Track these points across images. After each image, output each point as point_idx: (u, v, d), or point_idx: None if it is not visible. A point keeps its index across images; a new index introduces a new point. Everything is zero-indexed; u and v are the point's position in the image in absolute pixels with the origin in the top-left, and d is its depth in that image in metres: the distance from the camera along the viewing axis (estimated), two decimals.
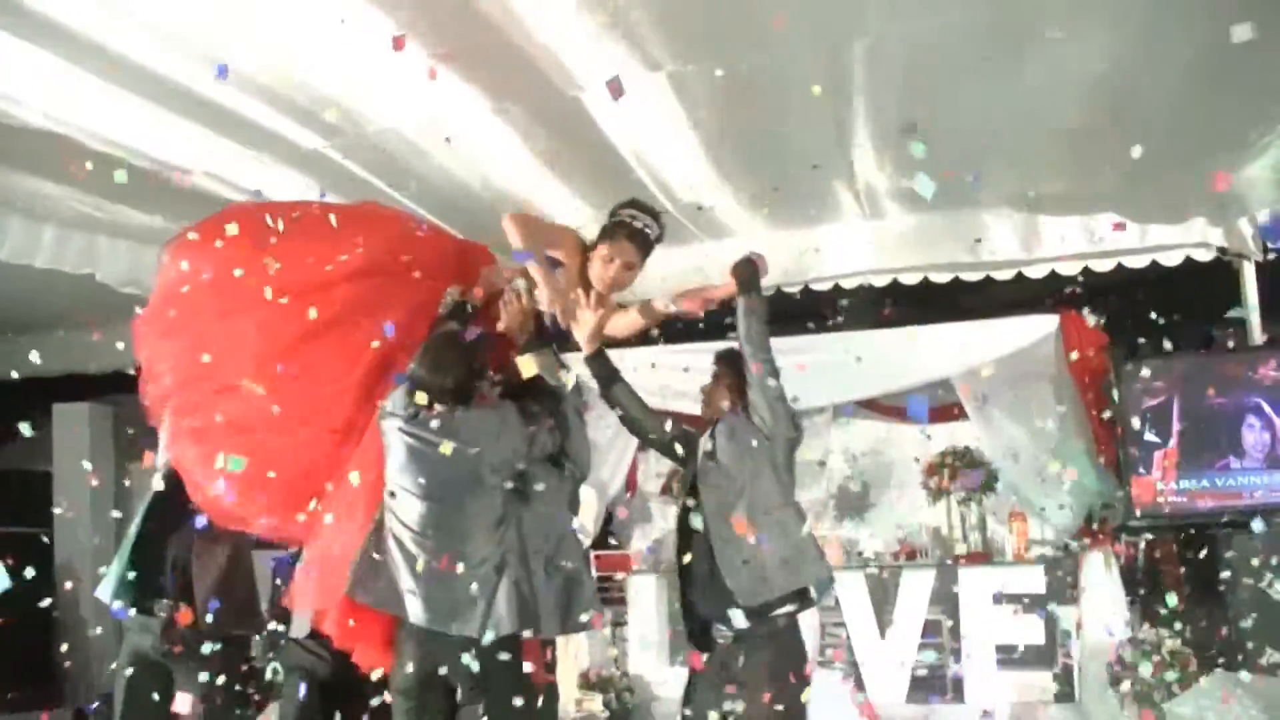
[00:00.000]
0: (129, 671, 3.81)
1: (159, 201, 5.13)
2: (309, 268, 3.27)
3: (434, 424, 3.16)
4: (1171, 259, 5.74)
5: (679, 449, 3.69)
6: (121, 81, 4.03)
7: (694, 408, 3.93)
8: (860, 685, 6.33)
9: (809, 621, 6.52)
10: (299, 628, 3.67)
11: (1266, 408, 5.55)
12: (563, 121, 4.50)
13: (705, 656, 3.54)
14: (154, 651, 3.75)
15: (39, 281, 5.69)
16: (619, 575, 7.17)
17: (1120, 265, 5.82)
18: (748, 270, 3.52)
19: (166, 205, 5.15)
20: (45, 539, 7.20)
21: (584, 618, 3.26)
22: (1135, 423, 5.63)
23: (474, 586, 3.06)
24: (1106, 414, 5.77)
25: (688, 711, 3.57)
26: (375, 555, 3.14)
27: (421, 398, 3.15)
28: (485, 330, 3.40)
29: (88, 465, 7.48)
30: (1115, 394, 5.76)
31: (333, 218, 3.38)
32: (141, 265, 5.60)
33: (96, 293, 5.76)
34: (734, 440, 3.55)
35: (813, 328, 6.48)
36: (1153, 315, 5.33)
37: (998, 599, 6.38)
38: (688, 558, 3.56)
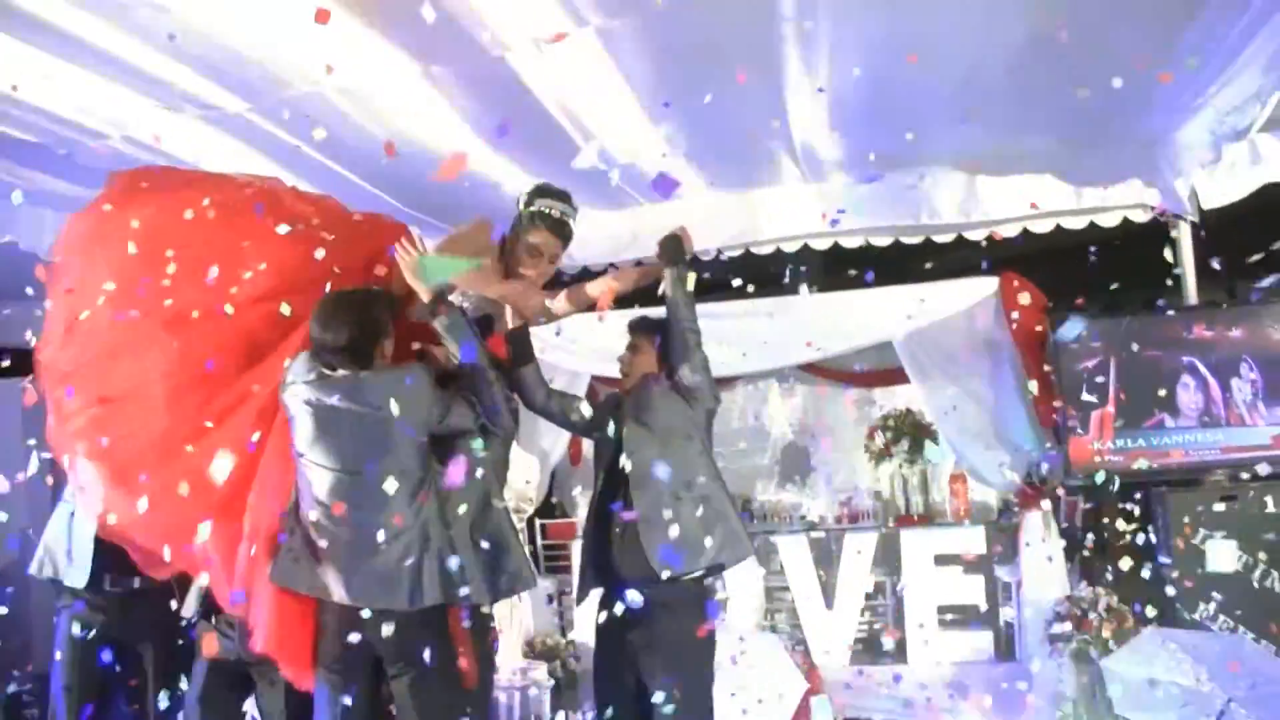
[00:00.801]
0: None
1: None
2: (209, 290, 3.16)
3: (337, 387, 3.04)
4: (1109, 220, 5.77)
5: (599, 426, 3.68)
6: (40, 44, 3.86)
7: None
8: (805, 649, 6.36)
9: (754, 587, 6.63)
10: (189, 608, 3.50)
11: (1201, 367, 5.61)
12: (489, 83, 4.38)
13: (613, 618, 3.50)
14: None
15: None
16: (567, 543, 7.13)
17: (1059, 227, 5.84)
18: (673, 245, 3.56)
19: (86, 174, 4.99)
20: None
21: (513, 585, 3.22)
22: (1072, 384, 5.66)
23: (396, 559, 2.98)
24: (1044, 375, 5.80)
25: (597, 673, 3.61)
26: (292, 536, 3.05)
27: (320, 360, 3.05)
28: (382, 288, 3.32)
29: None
30: (1053, 355, 5.79)
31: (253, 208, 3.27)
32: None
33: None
34: (657, 406, 3.55)
35: (754, 292, 6.45)
36: (1090, 277, 5.37)
37: (939, 560, 6.43)
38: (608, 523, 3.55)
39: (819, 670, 6.06)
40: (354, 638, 3.01)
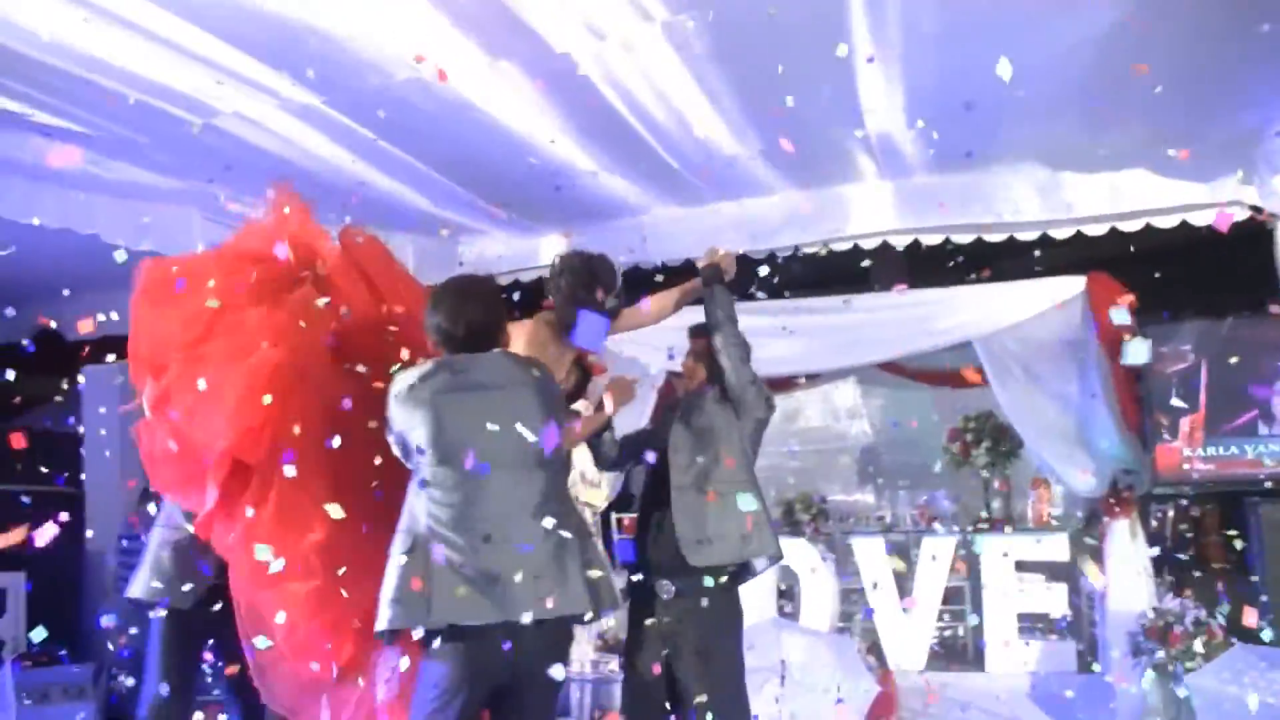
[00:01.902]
0: None
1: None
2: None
3: (470, 370, 2.89)
4: (1201, 219, 5.51)
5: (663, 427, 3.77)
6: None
7: None
8: (879, 653, 6.25)
9: (828, 589, 6.56)
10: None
11: None
12: (556, 79, 4.39)
13: (648, 611, 3.58)
14: None
15: (67, 243, 5.64)
16: None
17: (1149, 225, 5.61)
18: (711, 270, 3.66)
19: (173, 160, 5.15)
20: (75, 498, 7.33)
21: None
22: (1161, 388, 5.45)
23: (529, 572, 2.74)
24: (1132, 379, 5.60)
25: (630, 665, 3.63)
26: (412, 570, 2.72)
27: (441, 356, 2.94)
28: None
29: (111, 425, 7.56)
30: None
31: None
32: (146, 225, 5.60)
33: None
34: (706, 410, 3.65)
35: (832, 289, 6.37)
36: (1181, 278, 5.18)
37: (1020, 566, 6.26)
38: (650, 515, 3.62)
39: (893, 674, 5.96)
40: (490, 661, 2.73)
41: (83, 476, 7.49)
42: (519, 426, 2.80)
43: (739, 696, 3.52)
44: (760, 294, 5.00)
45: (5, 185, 5.06)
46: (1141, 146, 5.22)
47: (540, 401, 2.90)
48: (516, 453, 2.82)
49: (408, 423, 2.83)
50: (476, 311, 2.97)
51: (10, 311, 4.41)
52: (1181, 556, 5.59)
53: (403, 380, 2.89)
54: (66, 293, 5.29)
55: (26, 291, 6.52)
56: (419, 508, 2.80)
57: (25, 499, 5.01)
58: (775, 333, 6.36)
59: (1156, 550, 5.61)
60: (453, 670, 2.72)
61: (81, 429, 7.81)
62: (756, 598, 5.58)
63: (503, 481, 2.80)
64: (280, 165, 5.19)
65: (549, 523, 2.79)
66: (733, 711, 3.45)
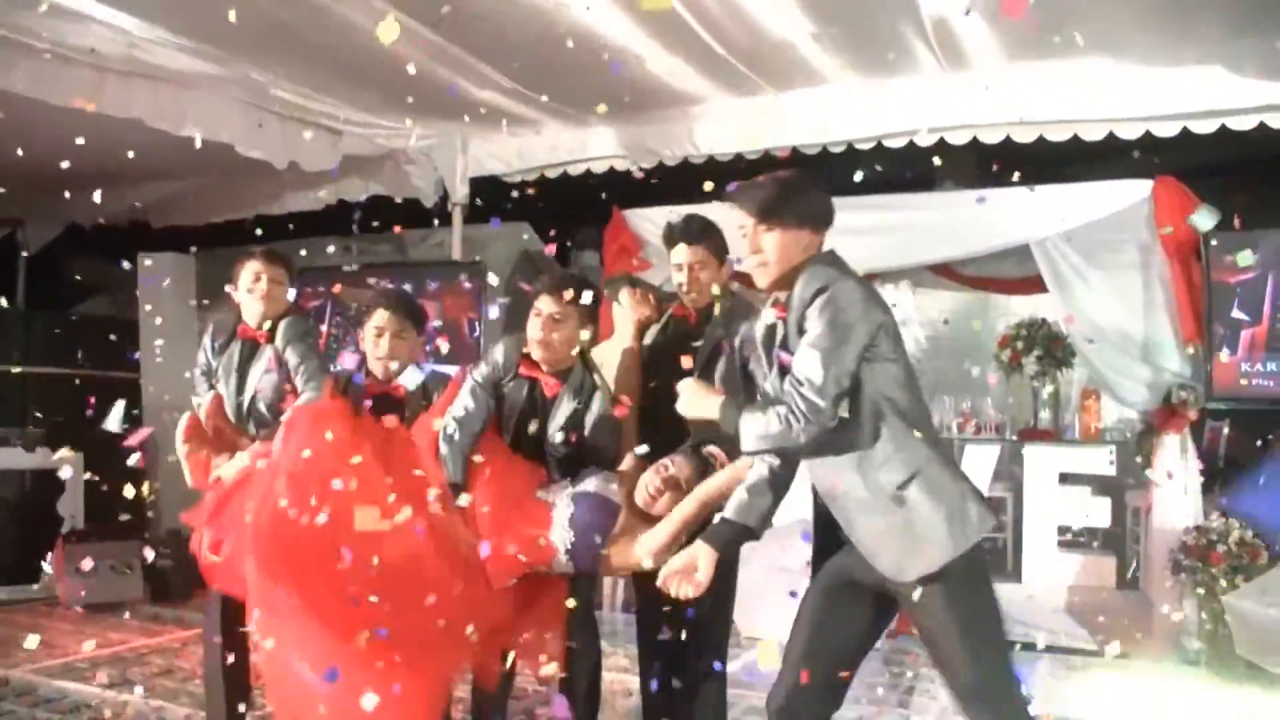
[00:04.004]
0: None
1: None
2: None
3: None
4: None
5: None
6: None
7: None
8: None
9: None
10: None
11: None
12: None
13: None
14: None
15: (126, 134, 5.61)
16: None
17: (1224, 127, 5.25)
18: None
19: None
20: (135, 383, 7.52)
21: None
22: (1223, 299, 5.19)
23: None
24: (1194, 289, 5.34)
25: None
26: None
27: None
28: None
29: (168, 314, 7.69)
30: (1205, 268, 5.31)
31: None
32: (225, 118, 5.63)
33: (181, 146, 5.76)
34: None
35: (885, 186, 6.14)
36: (1256, 184, 4.88)
37: (1064, 479, 6.11)
38: None
39: None
40: None
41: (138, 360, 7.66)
42: None
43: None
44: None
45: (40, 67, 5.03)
46: (1219, 39, 4.87)
47: None
48: None
49: None
50: None
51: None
52: (1233, 475, 5.38)
53: None
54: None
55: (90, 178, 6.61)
56: None
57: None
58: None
59: (1206, 468, 5.43)
60: None
61: (139, 316, 7.98)
62: (793, 499, 5.54)
63: None
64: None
65: None
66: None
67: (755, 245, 2.57)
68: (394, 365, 3.46)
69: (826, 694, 2.59)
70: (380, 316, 3.45)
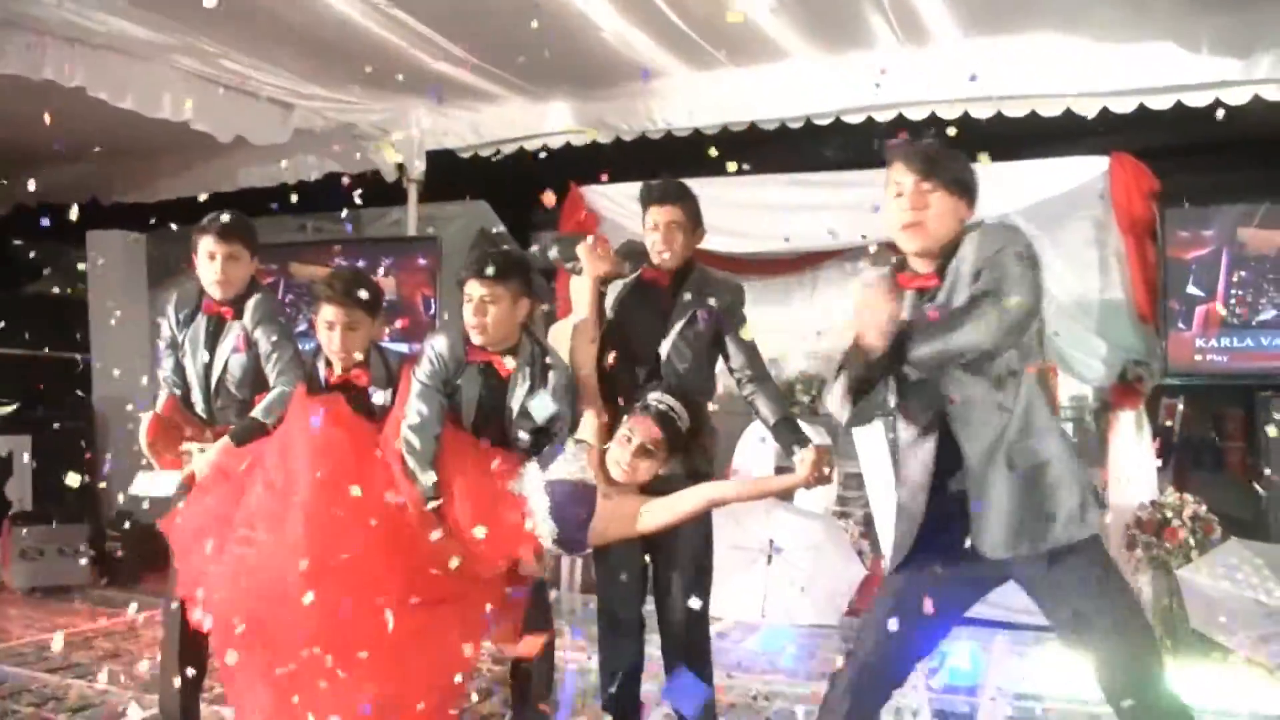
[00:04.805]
0: None
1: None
2: None
3: None
4: (1237, 97, 5.14)
5: None
6: None
7: None
8: (873, 541, 6.18)
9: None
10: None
11: None
12: None
13: None
14: None
15: (75, 106, 5.45)
16: None
17: (1179, 103, 5.26)
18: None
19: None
20: (83, 363, 7.37)
21: None
22: (1178, 274, 5.21)
23: None
24: (1148, 264, 5.36)
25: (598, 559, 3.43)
26: None
27: None
28: None
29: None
30: (1160, 243, 5.33)
31: None
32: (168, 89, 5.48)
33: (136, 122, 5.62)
34: None
35: (843, 163, 6.11)
36: (1211, 160, 4.89)
37: None
38: None
39: (883, 560, 5.90)
40: None
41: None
42: None
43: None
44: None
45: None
46: (1177, 14, 4.87)
47: None
48: None
49: None
50: None
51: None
52: (1187, 450, 5.42)
53: None
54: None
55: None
56: None
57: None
58: (786, 208, 6.19)
59: (1161, 444, 5.46)
60: None
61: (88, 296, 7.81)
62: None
63: None
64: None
65: None
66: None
67: (919, 201, 2.41)
68: (358, 356, 3.36)
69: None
70: (328, 311, 3.28)
